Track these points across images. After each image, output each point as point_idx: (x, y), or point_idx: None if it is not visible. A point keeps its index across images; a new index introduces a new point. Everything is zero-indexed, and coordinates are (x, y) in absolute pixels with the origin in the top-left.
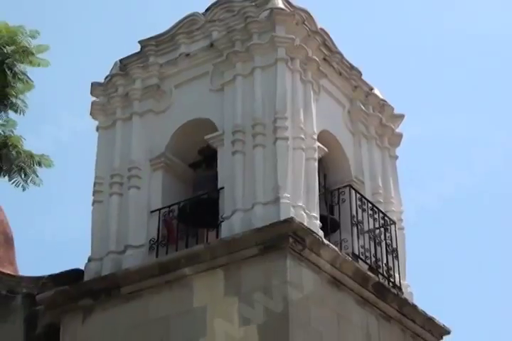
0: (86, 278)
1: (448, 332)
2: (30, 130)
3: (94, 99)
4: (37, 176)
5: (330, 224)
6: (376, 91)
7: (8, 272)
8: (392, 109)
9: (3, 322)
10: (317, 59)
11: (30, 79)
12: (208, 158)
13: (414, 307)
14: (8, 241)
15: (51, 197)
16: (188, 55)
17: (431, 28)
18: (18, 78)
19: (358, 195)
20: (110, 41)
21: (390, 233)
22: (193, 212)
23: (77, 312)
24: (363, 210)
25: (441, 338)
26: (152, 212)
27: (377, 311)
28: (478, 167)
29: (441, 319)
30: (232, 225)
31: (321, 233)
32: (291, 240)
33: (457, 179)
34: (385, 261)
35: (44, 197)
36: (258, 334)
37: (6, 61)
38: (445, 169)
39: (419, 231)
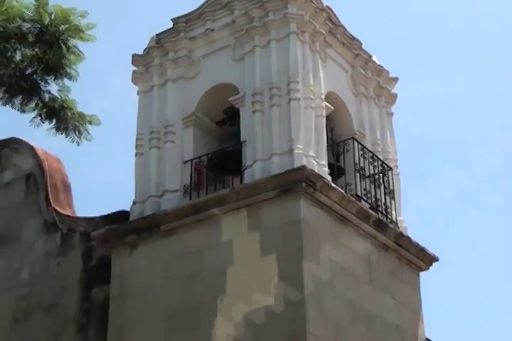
0: (131, 218)
1: (437, 260)
2: (81, 95)
3: (134, 68)
4: (88, 133)
5: (336, 171)
6: (374, 58)
7: (68, 214)
8: (388, 73)
9: (64, 255)
10: (323, 32)
11: (81, 51)
12: (231, 116)
13: (409, 239)
14: (67, 188)
15: (100, 151)
16: (212, 30)
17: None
18: (71, 51)
19: (360, 146)
20: (147, 19)
21: (388, 177)
22: (220, 161)
23: (125, 246)
24: (365, 158)
25: (431, 265)
26: (185, 162)
27: (377, 243)
28: None
29: (431, 249)
30: (253, 172)
31: (329, 178)
32: (303, 184)
33: None
34: (383, 201)
35: (94, 150)
36: (277, 262)
37: (61, 37)
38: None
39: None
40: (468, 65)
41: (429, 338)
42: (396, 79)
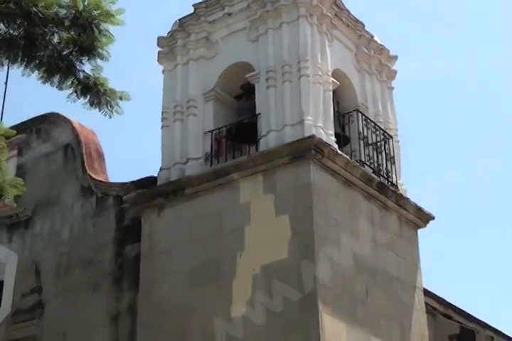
0: (159, 183)
1: (433, 218)
2: (111, 73)
3: (159, 49)
4: (119, 107)
5: (342, 139)
6: (376, 38)
7: (102, 179)
8: (389, 51)
9: (99, 217)
10: (330, 15)
11: (111, 34)
12: (247, 91)
13: (407, 199)
14: (100, 157)
15: (131, 124)
16: (230, 14)
17: None
18: (103, 34)
19: (363, 117)
20: (170, 5)
21: (389, 145)
22: (238, 132)
23: (153, 208)
24: (367, 128)
25: (428, 223)
26: (206, 133)
27: (379, 203)
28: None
29: (427, 208)
30: (267, 141)
31: (335, 146)
32: (313, 151)
33: None
34: (384, 166)
35: (125, 123)
36: (289, 220)
37: (94, 22)
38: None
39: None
40: (468, 42)
41: (426, 288)
42: (396, 57)
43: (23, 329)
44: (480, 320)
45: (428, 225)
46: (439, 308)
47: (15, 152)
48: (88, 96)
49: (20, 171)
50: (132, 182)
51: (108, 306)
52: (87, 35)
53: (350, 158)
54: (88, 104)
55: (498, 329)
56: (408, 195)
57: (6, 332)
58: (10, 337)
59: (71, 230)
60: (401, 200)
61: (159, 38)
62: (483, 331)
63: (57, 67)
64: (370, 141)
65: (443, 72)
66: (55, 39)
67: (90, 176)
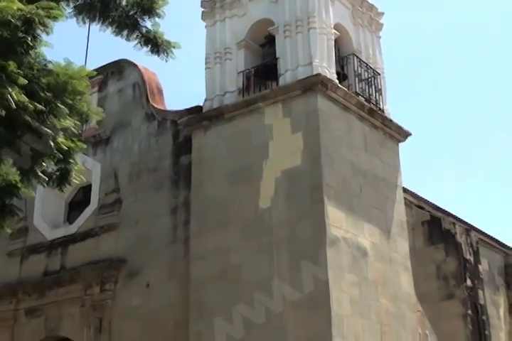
0: (204, 110)
1: (410, 134)
2: (166, 28)
3: (203, 9)
4: (173, 53)
5: (342, 76)
6: None
7: (161, 108)
8: (377, 9)
9: (160, 135)
10: None
11: None
12: (269, 41)
13: (391, 120)
14: (160, 92)
15: (182, 67)
16: None
17: None
18: None
19: (357, 59)
20: None
21: (377, 80)
22: (263, 71)
23: (200, 129)
24: (361, 67)
25: (406, 138)
26: (239, 72)
27: (369, 124)
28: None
29: (406, 127)
30: (285, 78)
31: (336, 81)
32: (319, 85)
33: None
34: (374, 96)
35: (178, 66)
36: (302, 137)
37: None
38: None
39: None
40: None
41: (405, 186)
42: (383, 13)
43: (107, 219)
44: (445, 210)
45: (408, 140)
46: (414, 201)
47: (96, 89)
48: (149, 46)
49: (100, 103)
50: (184, 109)
51: (168, 201)
52: None
53: (348, 90)
54: (149, 52)
55: (459, 216)
56: (392, 117)
57: (94, 220)
58: (98, 224)
59: (139, 145)
60: (386, 121)
61: (202, 1)
62: (447, 218)
63: (126, 24)
64: (362, 77)
65: (427, 26)
66: (123, 2)
67: (152, 106)
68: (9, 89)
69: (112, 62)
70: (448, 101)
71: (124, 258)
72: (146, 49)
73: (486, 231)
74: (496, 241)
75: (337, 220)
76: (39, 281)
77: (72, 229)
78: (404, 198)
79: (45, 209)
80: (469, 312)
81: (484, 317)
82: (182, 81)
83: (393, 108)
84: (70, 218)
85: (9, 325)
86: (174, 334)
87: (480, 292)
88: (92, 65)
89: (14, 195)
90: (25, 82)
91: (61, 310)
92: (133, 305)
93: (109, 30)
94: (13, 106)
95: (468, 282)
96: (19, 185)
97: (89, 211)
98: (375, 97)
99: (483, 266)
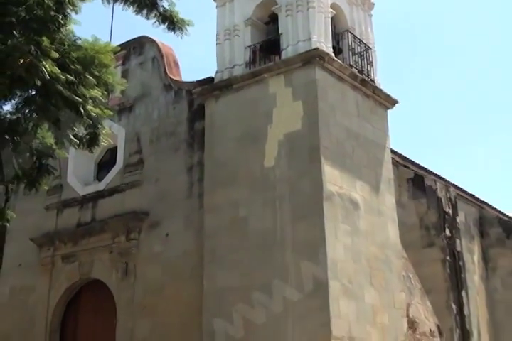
0: (215, 81)
1: (397, 102)
2: (181, 7)
3: None
4: (187, 30)
5: (337, 51)
6: None
7: (178, 79)
8: None
9: (177, 103)
10: None
11: None
12: (273, 19)
13: (380, 90)
14: (176, 65)
15: (196, 42)
16: None
17: None
18: None
19: (351, 35)
20: None
21: (369, 54)
22: (267, 46)
23: (212, 98)
24: (354, 42)
25: (394, 105)
26: (246, 47)
27: (361, 92)
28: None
29: (394, 96)
30: (287, 52)
31: (332, 55)
32: (317, 58)
33: None
34: (366, 68)
35: (202, 41)
36: (302, 104)
37: None
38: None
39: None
40: None
41: (392, 148)
42: None
43: (131, 177)
44: (427, 168)
45: (395, 107)
46: (400, 161)
47: (120, 62)
48: (166, 23)
49: (124, 75)
50: (198, 80)
51: (185, 161)
52: None
53: (342, 62)
54: (166, 29)
55: (439, 174)
56: (381, 87)
57: (120, 178)
58: (123, 181)
59: (159, 112)
60: (376, 90)
61: None
62: (429, 176)
63: (145, 4)
64: (355, 51)
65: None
66: None
67: (170, 77)
68: (44, 62)
69: (133, 39)
70: (432, 73)
71: (147, 211)
72: (163, 26)
73: (463, 187)
74: (472, 196)
75: (332, 177)
76: (73, 231)
77: (101, 185)
78: (392, 158)
79: (77, 169)
80: (448, 258)
81: (461, 263)
82: (196, 55)
83: (382, 78)
84: (99, 176)
85: (48, 269)
86: (190, 276)
87: (457, 240)
88: (116, 41)
89: (50, 155)
90: (58, 55)
91: (92, 256)
92: (154, 251)
93: (131, 9)
94: (47, 77)
95: (447, 232)
96: (54, 147)
97: (115, 170)
98: (367, 69)
99: (460, 218)
